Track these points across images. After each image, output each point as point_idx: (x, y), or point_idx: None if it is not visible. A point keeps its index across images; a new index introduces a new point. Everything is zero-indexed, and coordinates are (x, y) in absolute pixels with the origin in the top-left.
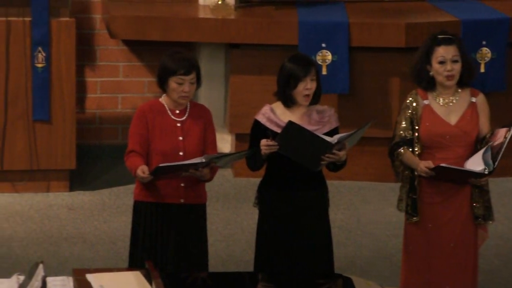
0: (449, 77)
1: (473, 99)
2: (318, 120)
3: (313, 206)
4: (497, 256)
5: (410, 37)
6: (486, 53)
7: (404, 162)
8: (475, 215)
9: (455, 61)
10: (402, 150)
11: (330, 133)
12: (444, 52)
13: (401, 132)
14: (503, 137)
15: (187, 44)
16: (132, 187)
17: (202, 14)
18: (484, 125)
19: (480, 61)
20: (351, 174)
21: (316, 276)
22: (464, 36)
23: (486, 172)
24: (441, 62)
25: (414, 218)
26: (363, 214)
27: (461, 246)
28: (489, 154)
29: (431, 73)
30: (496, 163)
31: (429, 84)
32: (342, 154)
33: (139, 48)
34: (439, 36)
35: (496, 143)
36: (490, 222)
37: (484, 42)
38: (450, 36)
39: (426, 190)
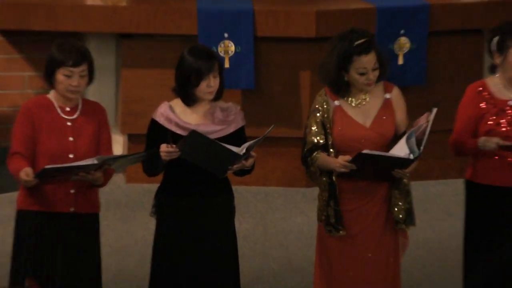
0: (369, 85)
1: (387, 96)
2: (222, 119)
3: (217, 215)
4: (418, 265)
5: (321, 27)
6: (404, 43)
7: (320, 166)
8: (395, 220)
9: (375, 69)
10: (316, 155)
11: (236, 133)
12: (365, 63)
13: (313, 137)
14: (426, 120)
15: (73, 34)
16: (12, 195)
17: (89, 1)
18: (401, 121)
19: (398, 52)
20: (257, 178)
21: None
22: (380, 25)
23: (412, 158)
24: (363, 74)
25: (341, 232)
26: (270, 222)
27: (381, 256)
28: (413, 140)
29: (346, 79)
30: (422, 148)
31: (345, 89)
32: (249, 162)
33: (18, 38)
34: (357, 43)
35: (419, 130)
36: (412, 226)
37: (402, 31)
38: (367, 39)
39: (343, 196)
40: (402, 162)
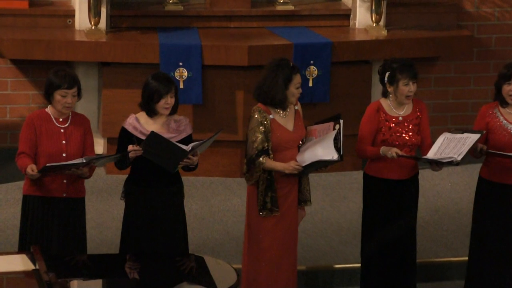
0: (298, 98)
1: (296, 107)
2: (175, 129)
3: (171, 199)
4: (323, 237)
5: (252, 58)
6: (313, 70)
7: (267, 168)
8: (304, 199)
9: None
10: (263, 159)
11: (186, 139)
12: (299, 78)
13: (258, 145)
14: (332, 129)
15: (65, 63)
16: (20, 184)
17: (78, 38)
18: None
19: (309, 77)
20: (204, 171)
21: (174, 256)
22: (295, 56)
23: (339, 159)
24: (298, 87)
25: (276, 213)
26: (214, 204)
27: (294, 227)
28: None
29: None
30: (342, 151)
31: (284, 103)
32: (195, 159)
33: (24, 66)
34: (292, 65)
35: (329, 135)
36: (310, 203)
37: (312, 62)
38: (293, 63)
39: (280, 186)
40: (332, 163)
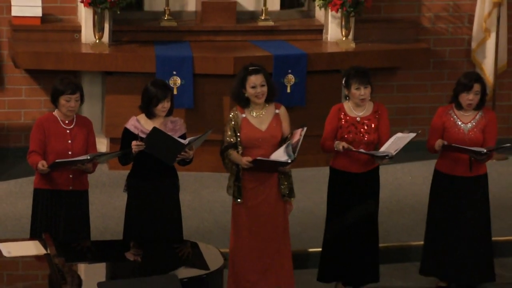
0: (258, 97)
1: (277, 111)
2: (172, 128)
3: (167, 191)
4: (299, 224)
5: (237, 67)
6: (291, 78)
7: (231, 160)
8: (282, 194)
9: (262, 85)
10: (229, 152)
11: (181, 138)
12: (255, 79)
13: (228, 138)
14: (299, 135)
15: (73, 72)
16: (32, 179)
17: (84, 50)
18: (286, 129)
19: (287, 84)
20: (196, 166)
21: (171, 242)
22: (276, 66)
23: (289, 161)
24: (253, 87)
25: (239, 200)
26: (204, 195)
27: (273, 218)
28: (290, 148)
29: (246, 95)
30: (296, 154)
31: (245, 103)
32: (191, 153)
33: (37, 75)
34: (250, 68)
35: (294, 140)
36: (293, 198)
37: (289, 71)
38: (257, 67)
39: (246, 178)
40: (283, 164)
